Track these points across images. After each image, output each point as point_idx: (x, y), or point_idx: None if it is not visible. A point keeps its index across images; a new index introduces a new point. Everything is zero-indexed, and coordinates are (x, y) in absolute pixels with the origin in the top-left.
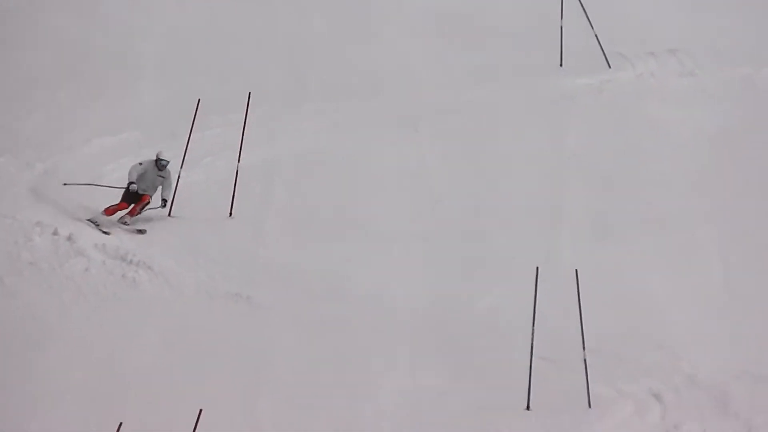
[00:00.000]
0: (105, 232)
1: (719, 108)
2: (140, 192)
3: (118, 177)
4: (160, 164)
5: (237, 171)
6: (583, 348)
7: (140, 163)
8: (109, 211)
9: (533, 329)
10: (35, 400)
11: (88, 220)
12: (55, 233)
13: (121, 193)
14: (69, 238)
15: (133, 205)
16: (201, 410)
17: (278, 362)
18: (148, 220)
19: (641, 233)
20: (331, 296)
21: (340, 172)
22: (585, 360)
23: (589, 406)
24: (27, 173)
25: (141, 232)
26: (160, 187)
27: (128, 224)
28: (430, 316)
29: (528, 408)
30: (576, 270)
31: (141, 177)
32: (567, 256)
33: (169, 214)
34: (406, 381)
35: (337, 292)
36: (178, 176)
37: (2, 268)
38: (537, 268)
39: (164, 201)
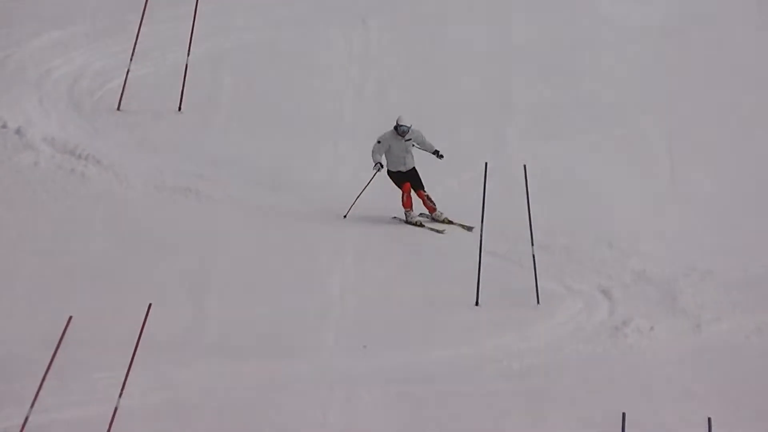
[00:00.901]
0: (439, 231)
1: (666, 1)
2: (404, 170)
3: (66, 72)
4: (401, 130)
5: (186, 65)
6: (532, 244)
7: (378, 141)
8: (407, 203)
9: (482, 225)
10: None
11: (407, 222)
12: (3, 126)
13: (396, 181)
14: (18, 132)
15: (420, 192)
16: (150, 305)
17: (226, 254)
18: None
19: (590, 128)
20: (279, 188)
21: (288, 65)
22: (534, 256)
23: (538, 302)
24: None
25: (468, 229)
26: (409, 152)
27: (442, 220)
28: (377, 208)
29: (477, 304)
30: (525, 165)
31: (389, 153)
32: (516, 151)
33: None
34: (354, 274)
35: (285, 183)
36: (128, 70)
37: None
38: (486, 164)
39: (437, 152)
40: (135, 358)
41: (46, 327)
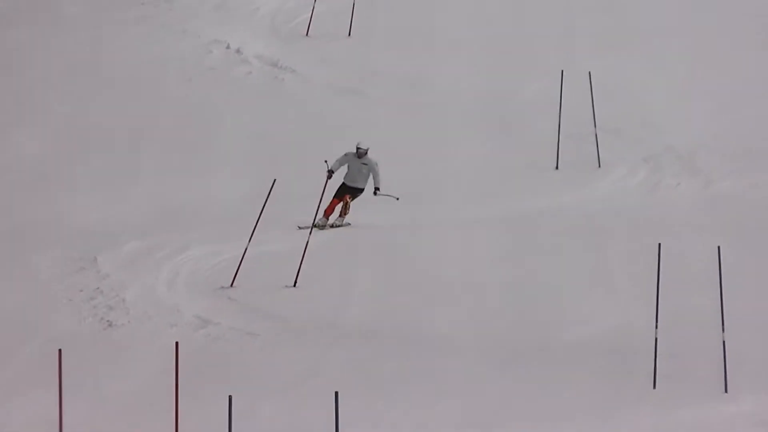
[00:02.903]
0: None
1: None
2: (350, 184)
3: (269, 9)
4: (359, 152)
5: (354, 3)
6: (594, 126)
7: (345, 155)
8: (327, 211)
9: (560, 113)
10: (209, 163)
11: (316, 227)
12: (227, 47)
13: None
14: (237, 51)
15: (342, 206)
16: (331, 172)
17: (380, 134)
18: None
19: (635, 44)
20: (419, 89)
21: (427, 3)
22: (596, 135)
23: (599, 166)
24: (209, 2)
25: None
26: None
27: (341, 225)
28: (487, 102)
29: (557, 168)
30: (589, 72)
31: (348, 168)
32: (583, 61)
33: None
34: (471, 148)
35: (424, 86)
36: (313, 8)
37: (192, 71)
38: (562, 71)
39: (376, 189)
40: (319, 209)
41: (252, 188)
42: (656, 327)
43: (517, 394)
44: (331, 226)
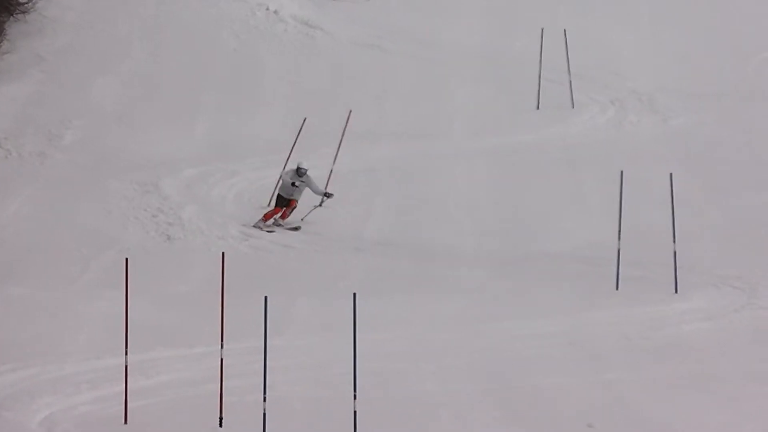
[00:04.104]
0: (270, 231)
1: None
2: (287, 197)
3: None
4: (299, 172)
5: None
6: (569, 73)
7: (286, 173)
8: (267, 216)
9: (540, 60)
10: (253, 105)
11: (254, 226)
12: (267, 9)
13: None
14: (275, 12)
15: (284, 209)
16: (350, 111)
17: (397, 82)
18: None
19: (608, 4)
20: (428, 44)
21: None
22: (570, 81)
23: (573, 106)
24: None
25: (296, 229)
26: (305, 190)
27: (281, 225)
28: (483, 55)
29: (538, 108)
30: (564, 30)
31: (288, 182)
32: (563, 21)
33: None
34: (470, 93)
35: (432, 42)
36: None
37: (240, 29)
38: (542, 29)
39: (325, 194)
40: (342, 142)
41: (289, 125)
42: (619, 239)
43: (507, 294)
44: (274, 223)
